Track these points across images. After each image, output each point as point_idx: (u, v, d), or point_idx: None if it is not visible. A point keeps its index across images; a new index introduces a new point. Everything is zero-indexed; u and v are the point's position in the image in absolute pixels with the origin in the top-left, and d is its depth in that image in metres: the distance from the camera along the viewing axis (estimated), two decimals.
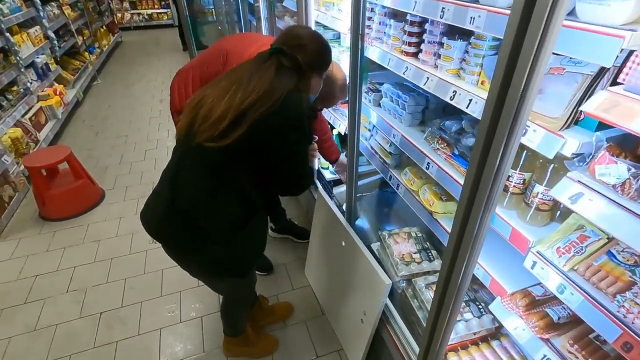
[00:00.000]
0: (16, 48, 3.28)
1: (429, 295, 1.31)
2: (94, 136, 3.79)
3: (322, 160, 2.43)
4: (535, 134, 0.87)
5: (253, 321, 1.74)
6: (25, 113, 3.28)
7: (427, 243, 1.55)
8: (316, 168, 1.43)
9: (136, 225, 2.51)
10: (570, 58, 0.84)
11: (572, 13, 0.77)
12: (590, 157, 0.81)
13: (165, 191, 1.15)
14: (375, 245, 1.74)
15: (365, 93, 1.85)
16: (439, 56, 1.25)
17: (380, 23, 1.60)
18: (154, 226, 1.18)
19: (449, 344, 1.24)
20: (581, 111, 0.83)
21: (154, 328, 1.83)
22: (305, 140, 1.20)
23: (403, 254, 1.47)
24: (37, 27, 3.99)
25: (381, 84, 1.83)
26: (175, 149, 1.16)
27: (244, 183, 1.12)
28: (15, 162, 2.79)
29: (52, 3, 4.70)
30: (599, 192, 0.76)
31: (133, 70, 5.89)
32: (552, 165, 0.93)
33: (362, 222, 2.14)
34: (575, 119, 0.84)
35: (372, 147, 1.88)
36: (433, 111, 1.61)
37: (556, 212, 1.02)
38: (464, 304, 1.28)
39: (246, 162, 1.10)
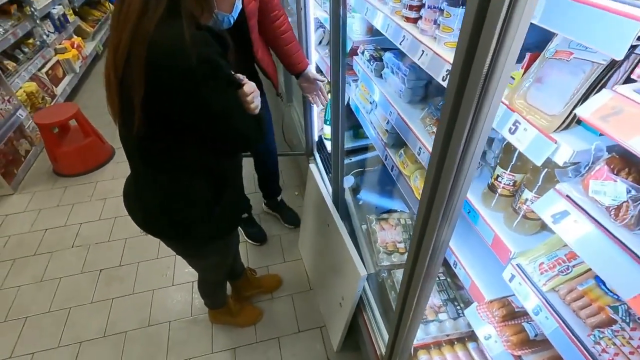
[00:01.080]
0: None
1: None
2: None
3: (326, 130, 2.31)
4: (526, 134, 0.72)
5: (238, 292, 1.76)
6: (42, 67, 3.32)
7: None
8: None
9: None
10: (580, 42, 0.67)
11: None
12: (587, 168, 0.66)
13: (132, 185, 1.08)
14: (364, 227, 1.67)
15: (367, 61, 1.67)
16: (439, 26, 1.06)
17: None
18: (140, 222, 1.11)
19: (419, 341, 1.19)
20: None
21: (147, 289, 1.90)
22: (219, 96, 0.86)
23: (387, 243, 1.39)
24: None
25: (387, 49, 1.64)
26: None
27: (190, 158, 0.95)
28: (30, 116, 2.86)
29: None
30: (587, 214, 0.63)
31: None
32: (545, 170, 0.78)
33: (364, 195, 2.05)
34: (577, 119, 0.68)
35: (371, 122, 1.74)
36: (437, 87, 1.43)
37: None
38: (441, 302, 1.20)
39: (173, 136, 0.90)
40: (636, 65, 0.57)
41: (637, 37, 0.49)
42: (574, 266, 0.78)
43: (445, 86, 0.86)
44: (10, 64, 2.92)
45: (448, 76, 0.97)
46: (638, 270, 0.54)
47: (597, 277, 0.75)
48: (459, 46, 0.55)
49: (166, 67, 0.78)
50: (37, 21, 3.34)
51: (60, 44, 3.70)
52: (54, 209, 2.39)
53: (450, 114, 0.60)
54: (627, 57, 0.61)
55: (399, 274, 1.29)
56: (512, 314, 0.98)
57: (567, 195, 0.67)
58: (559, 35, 0.71)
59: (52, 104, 3.20)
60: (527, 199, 0.83)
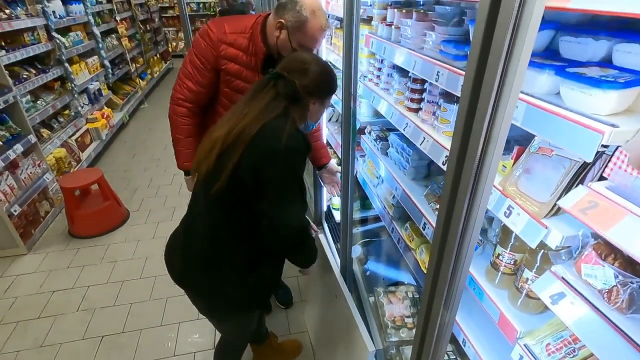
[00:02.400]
0: (73, 76, 3.65)
1: None
2: (131, 158, 4.07)
3: (334, 201, 2.41)
4: (519, 218, 0.80)
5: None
6: (73, 134, 3.60)
7: None
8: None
9: (151, 249, 2.61)
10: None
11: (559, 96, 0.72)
12: (578, 252, 0.72)
13: (179, 236, 1.20)
14: (372, 299, 1.67)
15: (373, 141, 1.83)
16: (437, 117, 1.22)
17: (388, 75, 1.60)
18: (177, 274, 1.20)
19: None
20: None
21: (147, 359, 1.85)
22: (288, 174, 1.05)
23: (395, 317, 1.39)
24: (95, 57, 4.43)
25: (392, 130, 1.81)
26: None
27: (248, 228, 1.09)
28: (55, 179, 3.04)
29: (112, 35, 5.23)
30: (582, 296, 0.68)
31: None
32: (541, 252, 0.84)
33: (371, 265, 2.06)
34: None
35: (378, 195, 1.84)
36: (439, 166, 1.55)
37: None
38: None
39: (242, 203, 1.05)
40: (606, 165, 0.67)
41: (599, 146, 0.60)
42: (579, 348, 0.80)
43: (443, 168, 0.97)
44: (45, 132, 3.19)
45: (447, 160, 1.09)
46: (633, 354, 0.57)
47: None
48: (454, 140, 0.66)
49: (263, 146, 1.00)
50: (75, 95, 3.72)
51: (91, 114, 4.05)
52: (64, 271, 2.42)
53: (450, 195, 0.69)
54: (599, 157, 0.71)
55: (407, 351, 1.27)
56: None
57: (563, 277, 0.72)
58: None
59: (76, 168, 3.41)
60: (527, 278, 0.87)
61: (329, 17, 1.59)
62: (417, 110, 1.37)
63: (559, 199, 0.74)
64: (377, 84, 1.70)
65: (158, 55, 7.57)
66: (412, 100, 1.38)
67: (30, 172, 2.75)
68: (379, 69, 1.66)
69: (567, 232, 0.72)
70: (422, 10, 1.39)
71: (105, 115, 4.27)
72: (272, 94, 1.04)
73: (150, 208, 3.11)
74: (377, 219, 2.28)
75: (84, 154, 3.68)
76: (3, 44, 2.79)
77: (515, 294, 0.93)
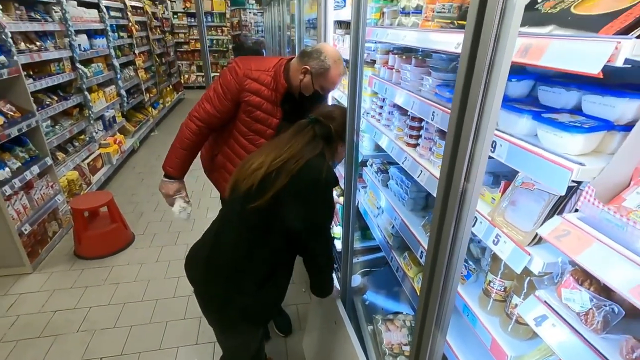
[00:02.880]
0: (91, 104, 3.85)
1: None
2: (139, 182, 4.18)
3: (335, 230, 2.48)
4: (506, 246, 0.87)
5: None
6: (86, 158, 3.74)
7: None
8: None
9: (154, 272, 2.65)
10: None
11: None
12: (558, 277, 0.79)
13: (207, 246, 1.30)
14: (370, 328, 1.69)
15: (374, 173, 1.93)
16: (433, 152, 1.32)
17: (389, 113, 1.73)
18: (197, 280, 1.31)
19: None
20: None
21: None
22: (326, 205, 1.27)
23: (392, 345, 1.41)
24: (113, 86, 4.68)
25: (391, 163, 1.91)
26: (222, 207, 1.35)
27: (279, 247, 1.25)
28: (65, 201, 3.13)
29: (130, 67, 5.53)
30: (562, 318, 0.74)
31: None
32: (528, 278, 0.91)
33: (370, 295, 2.09)
34: None
35: (378, 225, 1.91)
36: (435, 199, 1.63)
37: None
38: None
39: (279, 227, 1.21)
40: (578, 199, 0.75)
41: (569, 181, 0.69)
42: None
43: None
44: (60, 155, 3.33)
45: None
46: None
47: None
48: (441, 176, 0.76)
49: (306, 178, 1.19)
50: (92, 122, 3.91)
51: (105, 140, 4.22)
52: (67, 291, 2.45)
53: (439, 218, 0.78)
54: (574, 191, 0.80)
55: None
56: None
57: (545, 301, 0.78)
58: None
59: (86, 190, 3.52)
60: (516, 304, 0.93)
61: None
62: (415, 146, 1.48)
63: (540, 227, 0.82)
64: (379, 120, 1.83)
65: (171, 86, 7.92)
66: (410, 136, 1.49)
67: (43, 193, 2.85)
68: (381, 107, 1.80)
69: (548, 259, 0.79)
70: (420, 57, 1.55)
71: (117, 141, 4.43)
72: (311, 134, 1.26)
73: (155, 232, 3.17)
74: (376, 249, 2.34)
75: (94, 177, 3.79)
76: (31, 72, 3.00)
77: (506, 320, 0.98)
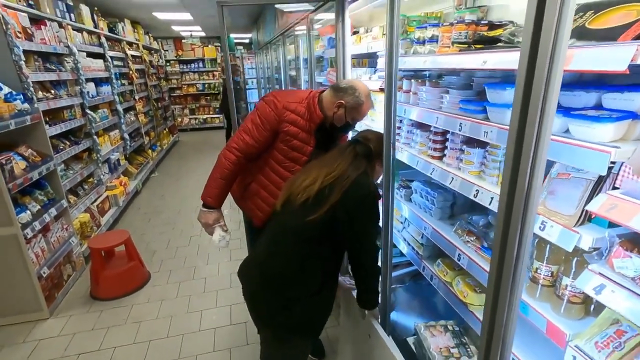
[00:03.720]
0: (99, 148, 3.93)
1: None
2: (147, 222, 4.18)
3: None
4: (553, 229, 0.98)
5: None
6: (95, 200, 3.75)
7: (465, 338, 1.53)
8: None
9: (175, 308, 2.62)
10: (574, 167, 1.00)
11: (568, 131, 0.96)
12: (607, 251, 0.89)
13: (260, 259, 1.38)
14: (411, 339, 1.72)
15: (397, 189, 2.05)
16: (461, 160, 1.45)
17: (408, 132, 1.88)
18: (251, 291, 1.39)
19: None
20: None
21: None
22: (374, 218, 1.38)
23: (441, 348, 1.45)
24: (117, 131, 4.79)
25: (411, 181, 2.03)
26: (272, 221, 1.44)
27: (327, 256, 1.34)
28: (79, 243, 3.11)
29: (131, 112, 5.69)
30: (619, 285, 0.83)
31: (186, 165, 6.65)
32: (575, 258, 1.00)
33: (395, 315, 2.11)
34: (588, 217, 0.96)
35: (405, 239, 1.99)
36: (461, 206, 1.75)
37: (590, 305, 1.05)
38: None
39: (330, 238, 1.31)
40: (614, 181, 0.88)
41: (609, 162, 0.81)
42: (625, 341, 0.92)
43: (475, 200, 1.17)
44: (72, 198, 3.34)
45: (478, 193, 1.29)
46: None
47: None
48: (502, 185, 0.85)
49: (357, 194, 1.30)
50: (99, 165, 3.96)
51: (111, 183, 4.26)
52: (89, 333, 2.39)
53: (505, 217, 0.86)
54: (608, 175, 0.92)
55: None
56: None
57: (600, 273, 0.88)
58: (557, 163, 1.05)
59: (97, 232, 3.50)
60: (567, 285, 1.02)
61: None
62: (440, 158, 1.61)
63: (582, 210, 0.94)
64: (398, 140, 1.97)
65: (167, 129, 8.09)
66: (435, 149, 1.63)
67: (59, 236, 2.84)
68: (399, 127, 1.95)
69: (596, 235, 0.90)
70: (433, 80, 1.73)
71: (122, 183, 4.47)
72: (354, 154, 1.38)
73: (170, 269, 3.15)
74: (396, 266, 2.39)
75: (103, 219, 3.79)
76: (47, 119, 3.09)
77: (558, 303, 1.06)
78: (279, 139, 1.68)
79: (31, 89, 2.70)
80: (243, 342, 2.25)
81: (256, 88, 8.59)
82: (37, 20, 3.12)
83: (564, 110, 0.97)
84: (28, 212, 2.46)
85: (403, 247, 2.00)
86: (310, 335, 1.40)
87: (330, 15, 2.59)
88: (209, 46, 10.37)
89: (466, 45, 1.33)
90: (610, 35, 0.82)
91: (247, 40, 11.25)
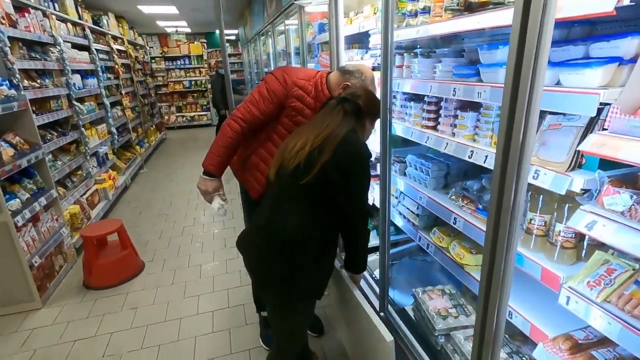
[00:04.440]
0: (87, 140, 3.86)
1: (469, 347, 1.31)
2: (138, 215, 4.12)
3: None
4: (546, 177, 1.02)
5: None
6: (84, 193, 3.69)
7: (462, 299, 1.57)
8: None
9: (172, 294, 2.61)
10: (564, 115, 1.05)
11: (559, 83, 1.01)
12: (597, 192, 0.94)
13: (261, 228, 1.38)
14: (409, 307, 1.76)
15: (391, 164, 2.08)
16: (455, 126, 1.49)
17: (402, 106, 1.91)
18: (254, 261, 1.40)
19: None
20: (582, 156, 1.00)
21: None
22: (365, 176, 1.36)
23: (439, 309, 1.49)
24: (104, 125, 4.71)
25: (404, 157, 2.07)
26: (268, 191, 1.43)
27: (325, 223, 1.33)
28: (70, 234, 3.06)
29: (117, 107, 5.60)
30: (610, 219, 0.88)
31: (174, 161, 6.58)
32: (567, 205, 1.05)
33: (392, 292, 2.15)
34: (578, 163, 1.01)
35: (400, 212, 2.03)
36: (454, 176, 1.79)
37: (581, 251, 1.10)
38: (506, 355, 1.26)
39: (325, 202, 1.30)
40: (603, 124, 0.93)
41: (599, 103, 0.86)
42: (615, 278, 0.97)
43: (469, 160, 1.21)
44: (61, 190, 3.27)
45: (473, 153, 1.33)
46: None
47: (636, 281, 0.93)
48: (500, 130, 0.89)
49: (347, 152, 1.29)
50: (87, 157, 3.90)
51: (99, 176, 4.19)
52: (84, 321, 2.35)
53: (501, 168, 0.90)
54: (596, 122, 0.97)
55: (459, 335, 1.36)
56: (577, 346, 1.07)
57: (591, 211, 0.93)
58: (548, 116, 1.10)
59: (87, 224, 3.44)
60: (560, 230, 1.07)
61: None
62: (434, 127, 1.66)
63: (573, 156, 0.99)
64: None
65: (154, 126, 7.97)
66: (428, 119, 1.67)
67: (49, 226, 2.78)
68: (393, 103, 1.98)
69: (587, 177, 0.94)
70: (424, 53, 1.77)
71: (111, 177, 4.40)
72: (343, 112, 1.36)
73: (164, 258, 3.13)
74: (397, 244, 2.43)
75: (93, 212, 3.73)
76: (34, 109, 3.02)
77: (551, 250, 1.11)
78: (284, 114, 1.70)
79: (17, 75, 2.64)
80: (242, 323, 2.26)
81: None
82: (20, 8, 3.05)
83: (555, 63, 1.02)
84: (17, 200, 2.41)
85: (399, 221, 2.04)
86: (316, 297, 1.41)
87: None
88: (195, 42, 10.26)
89: (458, 12, 1.37)
90: None
91: (233, 37, 11.17)
